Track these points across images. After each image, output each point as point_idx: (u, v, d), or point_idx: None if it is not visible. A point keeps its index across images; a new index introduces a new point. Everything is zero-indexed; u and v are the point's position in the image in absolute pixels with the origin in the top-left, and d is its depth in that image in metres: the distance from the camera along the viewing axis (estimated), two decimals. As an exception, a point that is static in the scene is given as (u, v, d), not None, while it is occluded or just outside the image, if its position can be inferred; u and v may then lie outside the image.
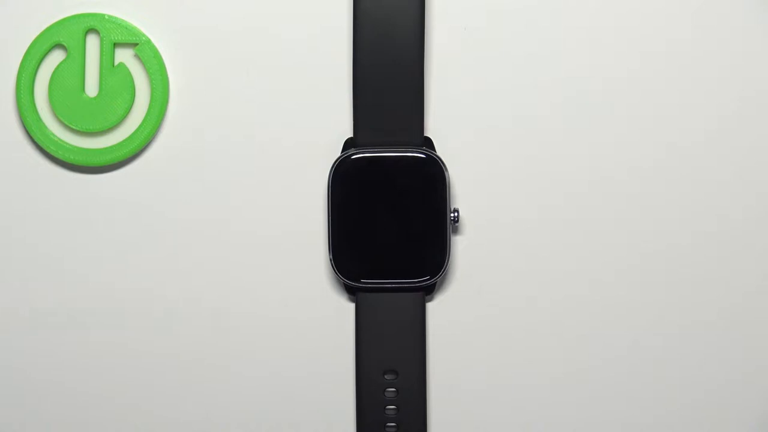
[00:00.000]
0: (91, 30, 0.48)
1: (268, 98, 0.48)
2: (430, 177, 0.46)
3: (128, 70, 0.48)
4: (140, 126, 0.48)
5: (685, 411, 0.49)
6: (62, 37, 0.47)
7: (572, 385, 0.48)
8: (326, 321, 0.48)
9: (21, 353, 0.48)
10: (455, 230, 0.48)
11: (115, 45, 0.48)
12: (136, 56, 0.48)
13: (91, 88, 0.48)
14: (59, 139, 0.48)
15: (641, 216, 0.48)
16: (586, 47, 0.48)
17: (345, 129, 0.48)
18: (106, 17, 0.48)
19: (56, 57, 0.48)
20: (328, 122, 0.48)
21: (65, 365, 0.48)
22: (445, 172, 0.46)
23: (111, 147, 0.48)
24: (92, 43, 0.48)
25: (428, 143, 0.47)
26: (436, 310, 0.48)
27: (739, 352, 0.48)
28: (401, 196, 0.46)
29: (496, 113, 0.48)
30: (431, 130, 0.48)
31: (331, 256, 0.46)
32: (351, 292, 0.48)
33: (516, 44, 0.48)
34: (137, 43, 0.48)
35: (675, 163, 0.48)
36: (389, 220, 0.46)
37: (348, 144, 0.47)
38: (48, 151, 0.48)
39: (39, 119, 0.48)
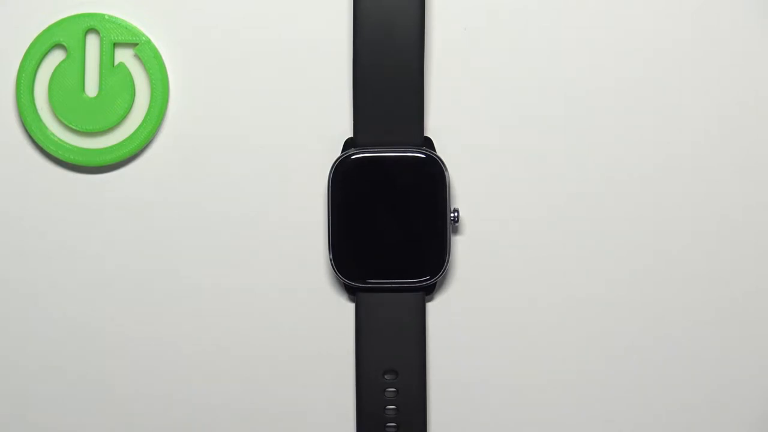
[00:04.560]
0: (91, 30, 0.48)
1: (268, 98, 0.48)
2: (430, 177, 0.46)
3: (128, 70, 0.48)
4: (140, 126, 0.48)
5: (685, 411, 0.49)
6: (62, 37, 0.47)
7: (572, 385, 0.48)
8: (326, 321, 0.48)
9: (21, 353, 0.48)
10: (455, 230, 0.48)
11: (115, 45, 0.48)
12: (136, 56, 0.48)
13: (91, 88, 0.48)
14: (59, 139, 0.48)
15: (642, 216, 0.48)
16: (586, 47, 0.48)
17: (345, 129, 0.48)
18: (106, 17, 0.48)
19: (56, 57, 0.48)
20: (328, 122, 0.48)
21: (65, 364, 0.48)
22: (445, 172, 0.46)
23: (111, 147, 0.48)
24: (92, 43, 0.48)
25: (428, 143, 0.47)
26: (436, 310, 0.48)
27: (740, 352, 0.48)
28: (401, 196, 0.46)
29: (496, 113, 0.48)
30: (431, 130, 0.48)
31: (331, 256, 0.46)
32: (351, 292, 0.48)
33: (516, 44, 0.48)
34: (137, 43, 0.48)
35: (676, 163, 0.48)
36: (389, 220, 0.46)
37: (348, 144, 0.47)
38: (48, 151, 0.48)
39: (39, 119, 0.48)
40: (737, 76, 0.48)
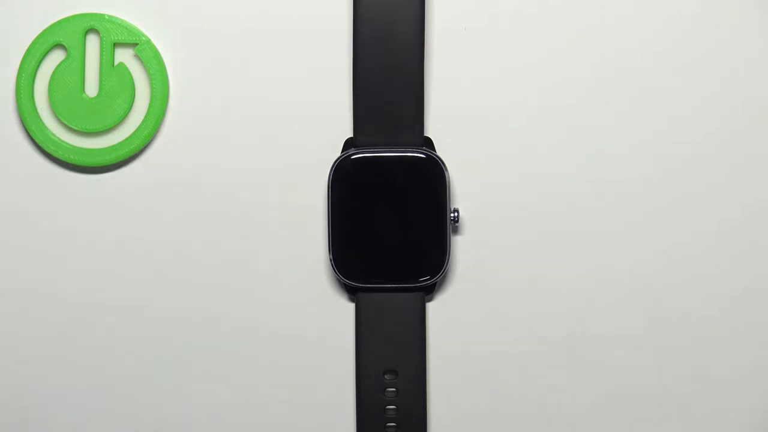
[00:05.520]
0: (91, 30, 0.48)
1: (268, 98, 0.48)
2: (430, 177, 0.46)
3: (128, 70, 0.48)
4: (140, 126, 0.48)
5: (685, 410, 0.49)
6: (62, 37, 0.47)
7: (572, 385, 0.48)
8: (326, 321, 0.48)
9: (21, 352, 0.48)
10: (455, 230, 0.48)
11: (115, 45, 0.48)
12: (136, 56, 0.48)
13: (91, 88, 0.48)
14: (59, 139, 0.48)
15: (642, 216, 0.48)
16: (586, 47, 0.48)
17: (345, 129, 0.48)
18: (106, 17, 0.48)
19: (56, 57, 0.48)
20: (328, 122, 0.48)
21: (65, 364, 0.48)
22: (445, 172, 0.46)
23: (111, 147, 0.48)
24: (92, 43, 0.48)
25: (428, 143, 0.47)
26: (436, 310, 0.48)
27: (741, 350, 0.48)
28: (401, 196, 0.46)
29: (496, 114, 0.48)
30: (431, 130, 0.48)
31: (331, 256, 0.46)
32: (351, 292, 0.48)
33: (516, 44, 0.48)
34: (137, 43, 0.48)
35: (676, 163, 0.48)
36: (389, 220, 0.46)
37: (348, 144, 0.47)
38: (48, 151, 0.48)
39: (39, 119, 0.48)
40: (737, 76, 0.48)
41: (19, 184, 0.48)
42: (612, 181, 0.48)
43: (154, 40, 0.48)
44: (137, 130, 0.48)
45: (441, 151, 0.47)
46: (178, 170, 0.48)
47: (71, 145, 0.48)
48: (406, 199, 0.46)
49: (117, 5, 0.48)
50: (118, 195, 0.48)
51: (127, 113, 0.48)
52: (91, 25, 0.47)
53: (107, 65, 0.48)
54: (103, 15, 0.48)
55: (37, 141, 0.48)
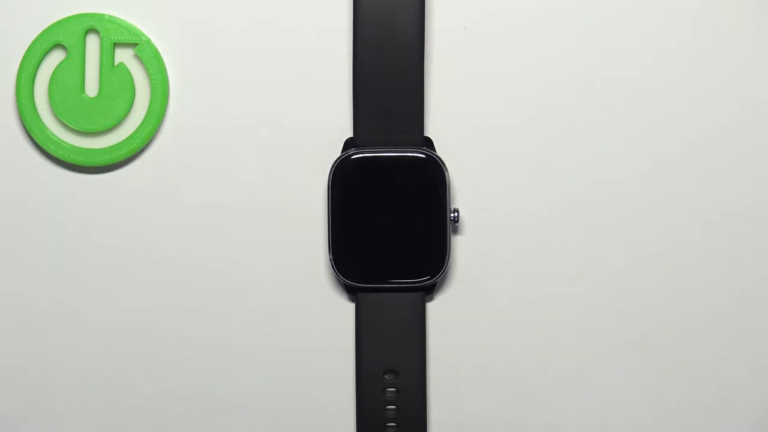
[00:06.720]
0: (91, 30, 0.48)
1: (268, 98, 0.48)
2: (430, 177, 0.46)
3: (128, 70, 0.48)
4: (140, 126, 0.48)
5: (685, 410, 0.49)
6: (62, 37, 0.47)
7: (572, 385, 0.48)
8: (326, 321, 0.48)
9: (21, 353, 0.48)
10: (455, 230, 0.48)
11: (115, 45, 0.48)
12: (136, 56, 0.48)
13: (91, 88, 0.48)
14: (59, 139, 0.48)
15: (641, 216, 0.48)
16: (586, 48, 0.48)
17: (345, 129, 0.48)
18: (106, 17, 0.48)
19: (56, 57, 0.48)
20: (328, 122, 0.48)
21: (65, 365, 0.48)
22: (445, 172, 0.46)
23: (111, 147, 0.48)
24: (92, 43, 0.48)
25: (428, 143, 0.47)
26: (436, 310, 0.48)
27: (739, 351, 0.48)
28: (401, 196, 0.46)
29: (496, 113, 0.48)
30: (431, 130, 0.48)
31: (331, 256, 0.46)
32: (351, 292, 0.48)
33: (516, 44, 0.48)
34: (137, 43, 0.48)
35: (676, 163, 0.48)
36: (389, 220, 0.46)
37: (348, 144, 0.47)
38: (48, 151, 0.48)
39: (39, 119, 0.48)
40: (737, 76, 0.48)
41: (19, 184, 0.48)
42: (612, 181, 0.48)
43: (154, 40, 0.48)
44: (137, 130, 0.48)
45: (441, 151, 0.47)
46: (178, 170, 0.48)
47: (71, 145, 0.48)
48: (406, 199, 0.46)
49: (117, 5, 0.48)
50: (118, 195, 0.48)
51: (127, 113, 0.48)
52: (91, 25, 0.47)
53: (107, 65, 0.48)
54: (103, 15, 0.48)
55: (37, 141, 0.48)
